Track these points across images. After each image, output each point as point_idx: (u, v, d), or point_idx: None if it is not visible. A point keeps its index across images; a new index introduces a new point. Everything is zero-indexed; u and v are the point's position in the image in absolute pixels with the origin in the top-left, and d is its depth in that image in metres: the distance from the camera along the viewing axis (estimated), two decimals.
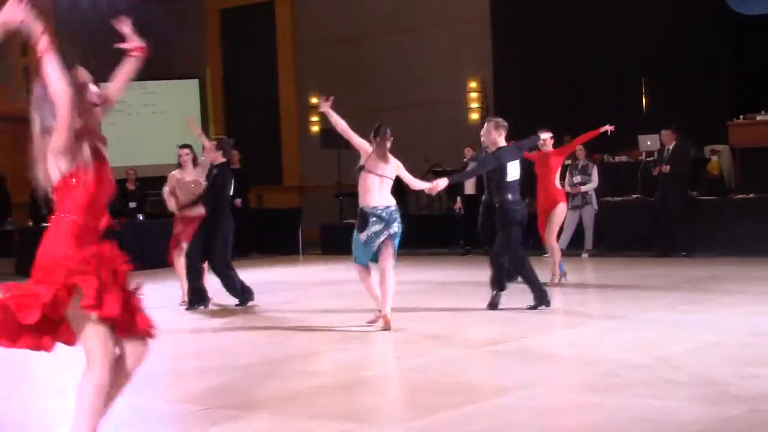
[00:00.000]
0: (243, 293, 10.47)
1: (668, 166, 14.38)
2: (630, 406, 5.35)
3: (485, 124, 9.80)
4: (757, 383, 5.83)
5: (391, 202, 8.63)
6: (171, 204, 10.71)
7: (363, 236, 8.52)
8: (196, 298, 10.42)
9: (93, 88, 4.37)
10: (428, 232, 17.42)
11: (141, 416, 5.68)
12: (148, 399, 6.07)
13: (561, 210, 11.51)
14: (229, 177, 10.48)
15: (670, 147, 14.54)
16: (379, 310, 8.59)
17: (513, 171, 9.33)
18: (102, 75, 4.62)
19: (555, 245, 11.51)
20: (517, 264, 9.50)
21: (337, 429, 5.15)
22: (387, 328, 8.41)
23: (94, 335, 4.20)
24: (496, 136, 9.46)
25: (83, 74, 4.35)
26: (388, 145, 8.64)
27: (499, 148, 9.43)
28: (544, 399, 5.70)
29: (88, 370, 4.25)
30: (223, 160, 10.48)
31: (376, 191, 8.52)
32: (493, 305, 9.38)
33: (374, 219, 8.48)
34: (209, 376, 6.82)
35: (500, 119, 9.64)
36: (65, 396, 6.30)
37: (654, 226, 14.87)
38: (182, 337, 8.96)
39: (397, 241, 8.72)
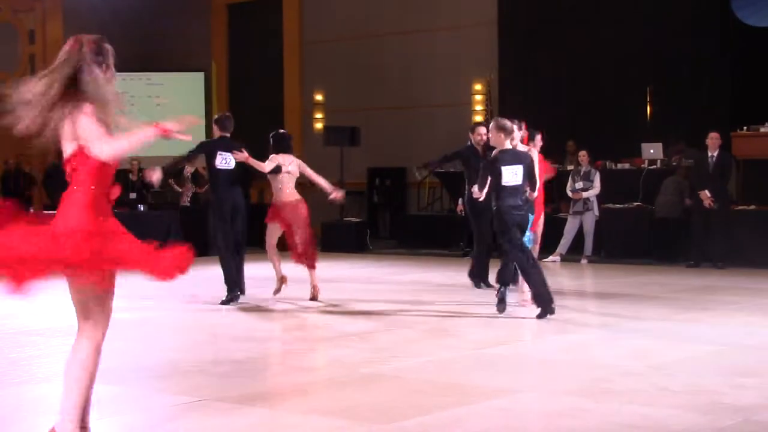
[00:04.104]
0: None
1: (712, 200, 13.87)
2: (621, 413, 5.35)
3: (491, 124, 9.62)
4: (751, 393, 5.83)
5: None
6: None
7: None
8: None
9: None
10: (429, 232, 17.47)
11: (135, 406, 5.70)
12: (143, 390, 6.09)
13: None
14: (214, 147, 10.38)
15: (715, 153, 13.97)
16: None
17: (509, 176, 9.09)
18: None
19: None
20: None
21: (328, 425, 5.16)
22: None
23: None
24: (497, 139, 9.28)
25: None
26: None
27: (502, 152, 9.28)
28: (536, 403, 5.71)
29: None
30: (220, 134, 10.45)
31: None
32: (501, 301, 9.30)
33: None
34: (205, 368, 6.83)
35: (504, 121, 9.43)
36: (58, 382, 6.32)
37: (654, 234, 14.90)
38: (176, 328, 8.98)
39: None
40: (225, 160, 10.25)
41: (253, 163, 10.31)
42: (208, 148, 10.47)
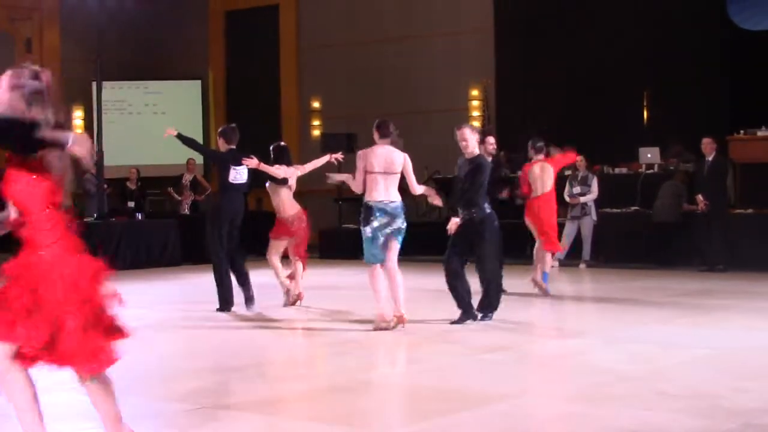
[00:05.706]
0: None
1: (707, 203, 13.90)
2: (621, 418, 5.35)
3: (464, 131, 9.38)
4: (751, 397, 5.83)
5: (397, 198, 8.64)
6: None
7: (368, 230, 8.50)
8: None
9: None
10: (428, 239, 17.43)
11: (134, 414, 5.68)
12: (140, 397, 6.07)
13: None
14: (226, 161, 10.25)
15: (710, 158, 14.03)
16: (383, 314, 8.70)
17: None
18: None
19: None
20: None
21: None
22: (402, 325, 8.62)
23: None
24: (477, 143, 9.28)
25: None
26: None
27: (481, 155, 9.35)
28: (535, 408, 5.70)
29: None
30: (228, 146, 10.35)
31: (382, 188, 8.52)
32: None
33: (379, 213, 8.47)
34: (202, 375, 6.82)
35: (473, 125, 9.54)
36: (56, 391, 6.31)
37: (652, 238, 14.89)
38: (176, 336, 8.96)
39: (400, 239, 8.72)
40: (239, 174, 10.23)
41: (266, 168, 10.35)
42: (219, 160, 10.48)
